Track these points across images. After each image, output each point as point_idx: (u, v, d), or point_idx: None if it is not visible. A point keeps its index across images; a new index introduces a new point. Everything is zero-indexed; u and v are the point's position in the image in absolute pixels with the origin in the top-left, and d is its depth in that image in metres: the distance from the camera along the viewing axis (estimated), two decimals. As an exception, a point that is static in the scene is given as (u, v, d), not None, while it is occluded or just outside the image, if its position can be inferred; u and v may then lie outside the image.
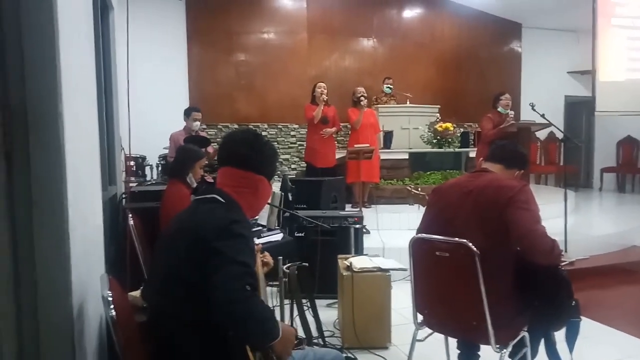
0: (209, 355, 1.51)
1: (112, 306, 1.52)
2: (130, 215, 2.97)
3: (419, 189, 3.04)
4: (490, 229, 1.99)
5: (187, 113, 5.38)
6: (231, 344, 1.49)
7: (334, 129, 5.95)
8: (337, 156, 6.18)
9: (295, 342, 1.79)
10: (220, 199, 1.62)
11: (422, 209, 2.55)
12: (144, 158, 5.65)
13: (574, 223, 5.57)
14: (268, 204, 3.67)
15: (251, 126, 7.54)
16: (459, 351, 2.34)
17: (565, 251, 4.52)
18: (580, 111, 9.66)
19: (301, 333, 2.74)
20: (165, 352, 1.55)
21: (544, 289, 2.03)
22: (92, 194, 2.15)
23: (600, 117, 8.48)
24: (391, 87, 7.42)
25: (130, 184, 4.40)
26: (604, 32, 7.54)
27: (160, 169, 5.90)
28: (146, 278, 1.77)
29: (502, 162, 2.24)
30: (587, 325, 2.18)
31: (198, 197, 1.69)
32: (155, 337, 1.59)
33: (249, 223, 1.65)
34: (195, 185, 3.38)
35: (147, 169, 5.80)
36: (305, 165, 6.46)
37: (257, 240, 3.28)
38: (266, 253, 2.12)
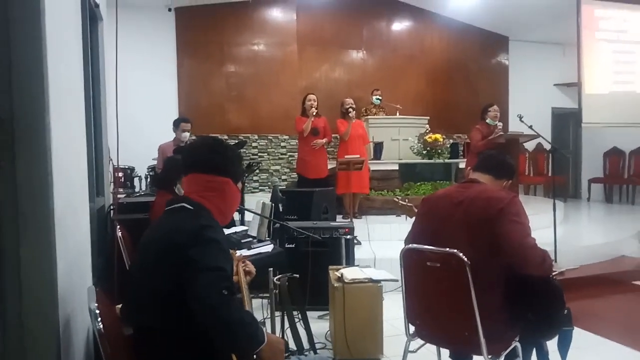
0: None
1: (99, 319, 1.49)
2: (118, 226, 2.93)
3: (406, 200, 3.04)
4: (481, 242, 1.99)
5: (176, 124, 5.35)
6: (218, 354, 1.47)
7: (324, 140, 5.96)
8: (329, 167, 6.18)
9: (286, 354, 1.77)
10: (188, 206, 1.60)
11: (410, 220, 2.55)
12: (132, 169, 5.62)
13: (563, 233, 5.62)
14: (258, 214, 3.66)
15: (242, 137, 7.54)
16: (450, 361, 2.34)
17: (555, 261, 4.54)
18: (567, 123, 9.80)
19: (292, 345, 2.72)
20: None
21: (536, 299, 2.03)
22: (79, 205, 2.12)
23: (586, 129, 8.60)
24: (380, 98, 7.47)
25: (119, 195, 4.37)
26: (589, 46, 7.68)
27: (148, 180, 5.87)
28: (123, 301, 1.71)
29: (490, 172, 2.26)
30: (577, 334, 2.18)
31: (167, 207, 1.67)
32: (144, 355, 1.55)
33: (220, 227, 1.63)
34: (184, 196, 3.35)
35: (136, 180, 5.77)
36: (297, 176, 6.46)
37: (247, 252, 3.26)
38: (247, 262, 2.09)
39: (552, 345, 2.19)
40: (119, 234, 2.87)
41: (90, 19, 3.42)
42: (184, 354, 1.49)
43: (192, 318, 1.39)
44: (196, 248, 1.44)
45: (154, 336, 1.50)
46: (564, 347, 2.15)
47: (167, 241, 1.50)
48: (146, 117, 6.56)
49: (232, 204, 1.73)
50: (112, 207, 3.83)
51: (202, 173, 1.67)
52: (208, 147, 1.72)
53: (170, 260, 1.45)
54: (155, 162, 5.55)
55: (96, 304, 1.56)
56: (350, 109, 5.95)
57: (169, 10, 7.34)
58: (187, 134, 5.31)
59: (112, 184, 4.36)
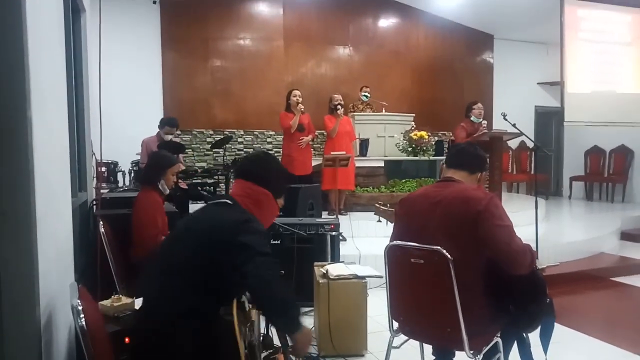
0: (200, 344, 1.59)
1: (81, 315, 1.48)
2: (101, 222, 2.90)
3: (388, 205, 3.04)
4: (461, 241, 2.00)
5: (162, 124, 5.27)
6: (221, 334, 1.58)
7: (310, 137, 5.95)
8: (314, 163, 6.18)
9: (269, 350, 1.80)
10: (229, 201, 1.80)
11: (391, 225, 2.55)
12: (115, 164, 5.55)
13: (545, 230, 5.71)
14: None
15: (227, 132, 7.49)
16: (434, 357, 2.36)
17: (537, 258, 4.61)
18: (549, 121, 9.93)
19: (277, 341, 2.72)
20: (155, 344, 1.59)
21: (519, 292, 2.06)
22: (61, 200, 2.09)
23: (568, 127, 8.74)
24: (368, 95, 7.49)
25: (102, 191, 4.31)
26: (571, 45, 7.79)
27: (132, 175, 5.80)
28: (143, 271, 1.86)
29: (464, 167, 2.25)
30: (557, 330, 2.21)
31: (211, 201, 1.87)
32: (145, 329, 1.63)
33: (260, 223, 1.78)
34: (167, 192, 3.32)
35: (120, 175, 5.70)
36: (282, 172, 6.43)
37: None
38: None
39: (533, 338, 2.22)
40: (102, 229, 2.84)
41: (73, 9, 3.36)
42: (190, 333, 1.59)
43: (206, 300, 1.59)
44: (248, 235, 1.61)
45: (163, 312, 1.60)
46: (546, 337, 2.18)
47: (213, 230, 1.66)
48: (130, 112, 6.48)
49: (268, 215, 1.90)
50: (95, 203, 3.78)
51: (245, 180, 1.87)
52: (257, 160, 1.96)
53: (215, 248, 1.60)
54: (139, 157, 5.49)
55: (78, 301, 1.54)
56: (339, 106, 5.95)
57: (154, 2, 7.25)
58: (170, 136, 5.24)
59: (95, 178, 4.30)
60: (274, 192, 1.89)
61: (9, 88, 1.34)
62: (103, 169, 5.02)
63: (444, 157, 7.08)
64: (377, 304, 3.40)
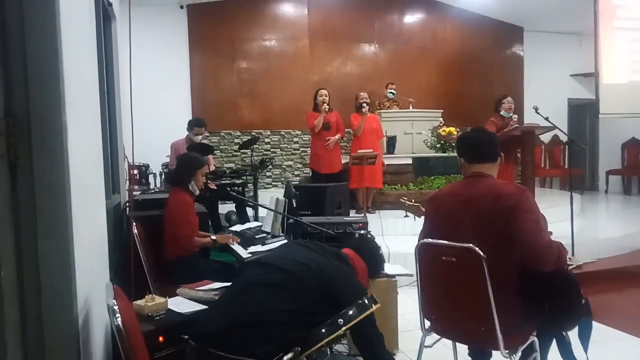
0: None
1: (117, 315, 1.51)
2: (134, 223, 2.96)
3: (413, 200, 3.00)
4: (494, 239, 1.96)
5: (190, 125, 5.38)
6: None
7: (337, 136, 5.93)
8: (343, 162, 6.16)
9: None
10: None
11: (420, 220, 2.51)
12: (147, 166, 5.66)
13: (581, 226, 5.54)
14: (272, 210, 3.67)
15: (254, 133, 7.55)
16: (469, 358, 2.32)
17: (573, 255, 4.48)
18: (583, 114, 9.63)
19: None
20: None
21: (552, 291, 2.00)
22: (96, 202, 2.15)
23: (604, 120, 8.44)
24: (394, 92, 7.42)
25: (134, 192, 4.40)
26: (606, 35, 7.53)
27: (163, 177, 5.92)
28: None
29: (487, 159, 2.17)
30: (596, 329, 2.14)
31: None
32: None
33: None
34: (197, 192, 3.37)
35: (151, 177, 5.82)
36: (310, 171, 6.45)
37: (261, 247, 3.27)
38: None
39: (574, 338, 2.15)
40: (135, 230, 2.90)
41: (104, 17, 3.45)
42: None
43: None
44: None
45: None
46: (584, 338, 2.12)
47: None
48: (159, 115, 6.61)
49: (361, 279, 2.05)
50: (127, 204, 3.87)
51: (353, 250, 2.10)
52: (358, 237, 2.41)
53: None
54: (168, 160, 5.59)
55: (114, 300, 1.57)
56: (365, 104, 5.92)
57: (181, 7, 7.37)
58: (200, 137, 5.34)
59: (127, 181, 4.40)
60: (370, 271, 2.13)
61: (45, 94, 1.39)
62: (135, 171, 5.13)
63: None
64: (408, 303, 3.37)
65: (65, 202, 1.43)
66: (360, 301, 1.70)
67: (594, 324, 2.13)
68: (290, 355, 1.54)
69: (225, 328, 1.59)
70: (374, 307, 1.71)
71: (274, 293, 1.65)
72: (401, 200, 3.05)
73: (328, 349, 1.68)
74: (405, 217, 3.06)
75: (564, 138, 8.40)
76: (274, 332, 1.57)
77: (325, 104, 5.72)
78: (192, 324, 1.82)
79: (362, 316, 1.66)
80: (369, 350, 1.74)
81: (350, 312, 1.65)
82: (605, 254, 4.97)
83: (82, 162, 1.75)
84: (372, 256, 2.16)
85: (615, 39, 7.62)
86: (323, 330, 1.60)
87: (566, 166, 8.91)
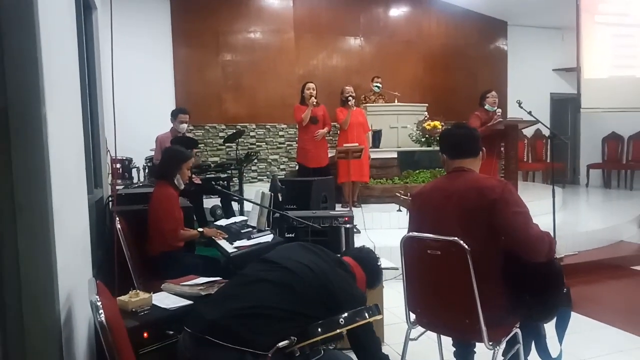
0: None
1: (100, 311, 1.49)
2: (117, 218, 2.92)
3: (408, 194, 3.01)
4: (477, 232, 1.97)
5: (174, 115, 5.31)
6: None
7: (325, 130, 5.92)
8: (329, 156, 6.15)
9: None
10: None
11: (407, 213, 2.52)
12: (130, 160, 5.58)
13: (562, 219, 5.63)
14: (258, 204, 3.65)
15: (239, 126, 7.50)
16: (454, 348, 2.34)
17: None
18: (565, 108, 9.76)
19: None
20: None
21: (536, 281, 2.02)
22: (77, 197, 2.11)
23: (585, 114, 8.58)
24: (380, 85, 7.43)
25: (117, 187, 4.34)
26: (588, 30, 7.62)
27: (147, 171, 5.85)
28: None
29: (468, 154, 2.19)
30: (577, 320, 2.19)
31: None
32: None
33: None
34: (182, 186, 3.34)
35: (134, 171, 5.74)
36: (297, 165, 6.43)
37: (247, 242, 3.25)
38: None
39: (549, 329, 2.19)
40: (118, 225, 2.86)
41: (84, 7, 3.37)
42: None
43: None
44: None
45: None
46: (561, 327, 2.14)
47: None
48: (143, 108, 6.52)
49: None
50: (110, 199, 3.81)
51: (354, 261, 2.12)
52: (361, 253, 2.25)
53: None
54: (152, 153, 5.52)
55: (97, 296, 1.55)
56: (350, 97, 5.91)
57: (164, -3, 7.26)
58: (185, 125, 5.28)
59: (110, 175, 4.34)
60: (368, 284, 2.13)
61: (23, 86, 1.35)
62: (118, 165, 5.06)
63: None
64: (393, 296, 3.39)
65: (46, 197, 1.40)
66: (360, 308, 1.72)
67: (576, 314, 2.16)
68: (285, 342, 1.56)
69: (223, 318, 1.60)
70: (374, 318, 1.74)
71: (275, 290, 1.67)
72: (396, 194, 3.05)
73: (322, 349, 1.68)
74: (398, 211, 3.06)
75: (546, 132, 8.50)
76: (272, 326, 1.59)
77: (313, 98, 5.70)
78: (189, 313, 1.83)
79: (359, 323, 1.69)
80: (367, 355, 1.79)
81: (349, 316, 1.68)
82: (586, 246, 5.07)
83: (63, 156, 1.72)
84: (372, 269, 2.17)
85: (597, 34, 7.73)
86: (319, 330, 1.63)
87: (548, 160, 9.03)
